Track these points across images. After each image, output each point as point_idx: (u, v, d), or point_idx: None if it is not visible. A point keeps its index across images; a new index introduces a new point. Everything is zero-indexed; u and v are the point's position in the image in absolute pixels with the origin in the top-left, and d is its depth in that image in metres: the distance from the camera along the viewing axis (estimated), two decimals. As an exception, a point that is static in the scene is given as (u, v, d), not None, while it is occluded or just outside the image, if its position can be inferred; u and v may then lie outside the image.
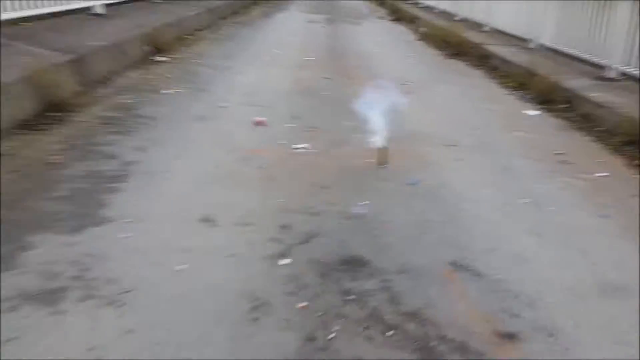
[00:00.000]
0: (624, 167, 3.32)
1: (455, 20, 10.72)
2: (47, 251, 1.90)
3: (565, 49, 6.51)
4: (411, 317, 1.68)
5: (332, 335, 1.58)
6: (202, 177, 2.65)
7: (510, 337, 1.64)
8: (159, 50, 5.26)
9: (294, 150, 3.09)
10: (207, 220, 2.21)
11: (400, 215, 2.39)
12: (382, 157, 2.94)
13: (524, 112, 4.56)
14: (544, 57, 6.54)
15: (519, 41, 7.80)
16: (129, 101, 3.76)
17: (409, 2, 16.25)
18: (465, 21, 10.59)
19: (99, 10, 5.62)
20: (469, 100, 4.85)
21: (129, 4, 6.51)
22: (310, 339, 1.55)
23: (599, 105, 4.32)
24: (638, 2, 4.97)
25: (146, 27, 5.40)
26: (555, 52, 6.78)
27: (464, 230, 2.29)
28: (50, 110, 3.25)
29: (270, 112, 3.81)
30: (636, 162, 3.38)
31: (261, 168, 2.81)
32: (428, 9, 13.87)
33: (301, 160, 2.97)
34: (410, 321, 1.66)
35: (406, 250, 2.09)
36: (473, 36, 8.23)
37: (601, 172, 3.14)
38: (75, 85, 3.57)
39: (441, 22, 10.00)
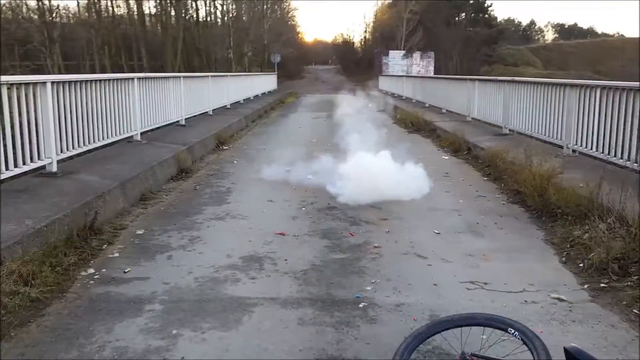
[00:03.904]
0: (480, 177, 6.34)
1: (424, 107, 14.20)
2: (210, 211, 4.92)
3: (485, 119, 9.77)
4: (352, 217, 4.65)
5: (321, 221, 4.55)
6: (264, 190, 5.71)
7: (385, 219, 4.60)
8: (222, 143, 8.60)
9: (306, 178, 6.19)
10: (270, 200, 5.24)
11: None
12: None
13: (442, 157, 7.67)
14: (472, 125, 9.77)
15: (461, 117, 11.11)
16: (216, 167, 6.95)
17: (395, 96, 20.07)
18: (431, 107, 14.09)
19: (182, 122, 9.07)
20: (411, 154, 7.96)
21: (196, 117, 10.01)
22: (315, 222, 4.53)
23: (482, 149, 7.40)
24: (503, 85, 8.24)
25: (213, 130, 8.80)
26: (479, 121, 10.04)
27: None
28: (182, 172, 6.43)
29: (292, 166, 6.94)
30: (488, 173, 6.40)
31: (291, 186, 5.87)
32: (407, 99, 17.57)
33: (308, 183, 6.05)
34: (351, 218, 4.63)
35: (354, 204, 5.08)
36: (432, 117, 11.55)
37: (463, 179, 6.16)
38: (190, 160, 6.79)
39: (413, 109, 13.44)
